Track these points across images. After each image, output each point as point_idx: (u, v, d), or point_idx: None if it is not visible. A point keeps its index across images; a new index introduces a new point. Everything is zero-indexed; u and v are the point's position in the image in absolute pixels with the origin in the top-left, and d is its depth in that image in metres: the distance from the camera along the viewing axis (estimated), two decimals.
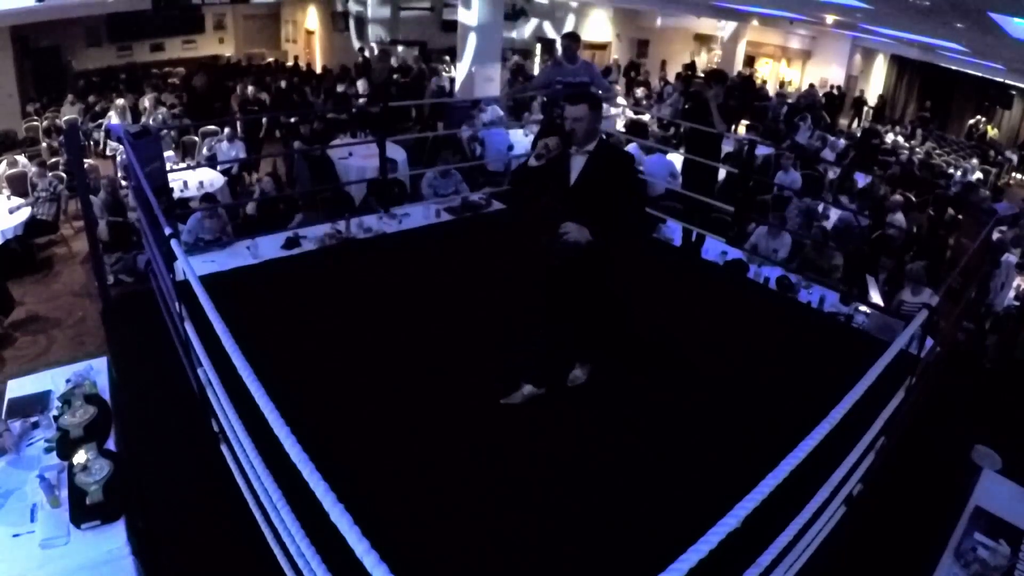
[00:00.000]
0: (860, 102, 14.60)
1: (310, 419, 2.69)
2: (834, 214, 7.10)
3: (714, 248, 5.33)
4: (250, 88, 10.75)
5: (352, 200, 6.40)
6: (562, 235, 2.62)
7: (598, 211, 2.59)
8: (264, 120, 9.17)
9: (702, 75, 12.91)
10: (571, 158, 2.65)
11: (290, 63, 15.09)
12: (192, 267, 2.23)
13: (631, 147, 7.91)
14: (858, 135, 12.84)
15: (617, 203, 2.60)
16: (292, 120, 8.99)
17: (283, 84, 10.75)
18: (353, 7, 14.90)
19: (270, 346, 3.26)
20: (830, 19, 10.86)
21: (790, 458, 1.59)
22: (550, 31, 16.93)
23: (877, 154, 11.21)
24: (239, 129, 8.39)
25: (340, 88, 11.13)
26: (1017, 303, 5.80)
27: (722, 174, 6.55)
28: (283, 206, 6.00)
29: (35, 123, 10.26)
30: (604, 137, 2.74)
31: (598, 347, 3.27)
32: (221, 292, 2.13)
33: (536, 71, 14.62)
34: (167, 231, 2.64)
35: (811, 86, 14.22)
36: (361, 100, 9.77)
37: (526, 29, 16.74)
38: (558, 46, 5.73)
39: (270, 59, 16.06)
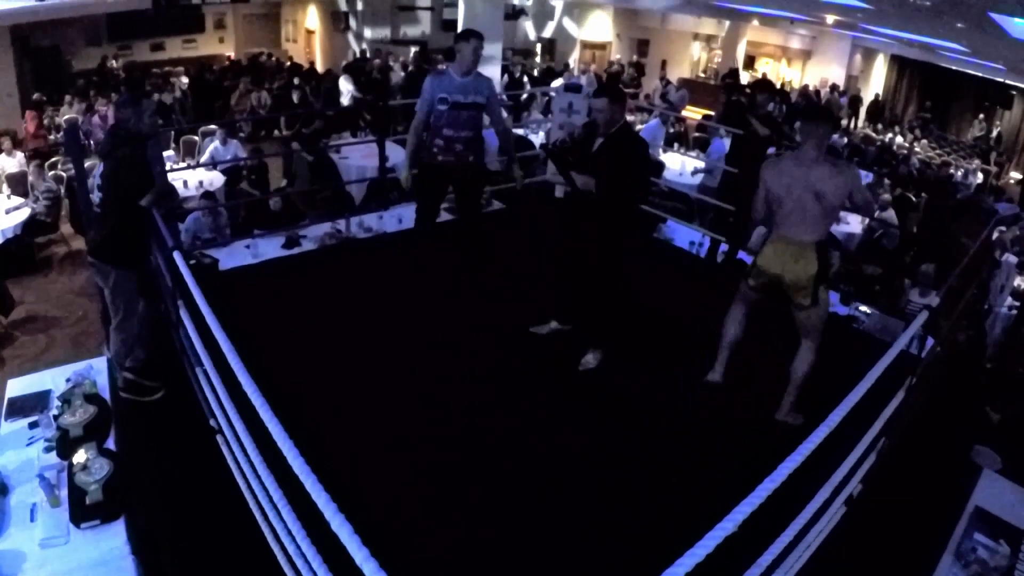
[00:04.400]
0: (856, 101, 14.56)
1: (311, 419, 2.69)
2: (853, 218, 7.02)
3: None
4: (264, 94, 10.71)
5: (352, 200, 6.39)
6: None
7: (607, 174, 3.17)
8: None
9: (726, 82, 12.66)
10: (596, 139, 3.24)
11: (288, 63, 15.06)
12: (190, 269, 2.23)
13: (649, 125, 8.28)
14: (859, 136, 12.81)
15: (622, 170, 3.13)
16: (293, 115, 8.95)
17: (278, 85, 10.70)
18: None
19: (270, 346, 3.26)
20: (830, 19, 10.85)
21: (788, 462, 1.60)
22: (549, 30, 16.92)
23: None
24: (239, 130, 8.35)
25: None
26: (1018, 303, 5.79)
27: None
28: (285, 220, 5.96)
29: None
30: (623, 125, 3.24)
31: (587, 307, 3.51)
32: (221, 292, 2.13)
33: (536, 72, 14.55)
34: (167, 235, 2.65)
35: (805, 87, 14.18)
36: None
37: (526, 29, 16.71)
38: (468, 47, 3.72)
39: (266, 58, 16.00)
